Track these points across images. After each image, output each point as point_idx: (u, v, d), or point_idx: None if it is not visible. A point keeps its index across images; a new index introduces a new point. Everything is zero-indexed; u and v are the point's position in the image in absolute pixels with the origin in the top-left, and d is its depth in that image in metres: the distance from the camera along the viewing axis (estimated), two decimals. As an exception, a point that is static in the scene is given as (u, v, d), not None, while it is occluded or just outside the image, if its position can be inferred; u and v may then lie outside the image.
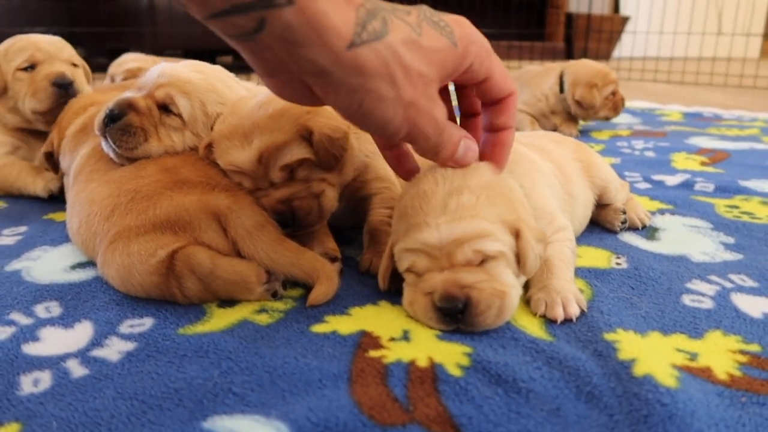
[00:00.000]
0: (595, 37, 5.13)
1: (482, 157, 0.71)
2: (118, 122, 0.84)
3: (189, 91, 0.87)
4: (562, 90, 1.90)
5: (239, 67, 3.91)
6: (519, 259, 0.68)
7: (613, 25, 5.46)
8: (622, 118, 2.23)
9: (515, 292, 0.67)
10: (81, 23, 3.91)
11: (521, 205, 0.72)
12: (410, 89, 0.59)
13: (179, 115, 0.86)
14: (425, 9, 0.61)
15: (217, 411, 0.53)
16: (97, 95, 1.16)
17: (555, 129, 1.90)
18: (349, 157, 0.85)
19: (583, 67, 1.93)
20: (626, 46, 5.28)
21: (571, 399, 0.55)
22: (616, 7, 6.41)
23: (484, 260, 0.66)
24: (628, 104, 2.60)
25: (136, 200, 0.76)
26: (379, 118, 0.59)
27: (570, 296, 0.69)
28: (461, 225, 0.65)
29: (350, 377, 0.57)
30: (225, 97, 0.89)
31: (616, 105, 1.89)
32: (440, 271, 0.66)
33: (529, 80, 2.01)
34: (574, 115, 1.92)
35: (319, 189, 0.82)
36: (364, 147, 0.90)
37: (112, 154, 0.86)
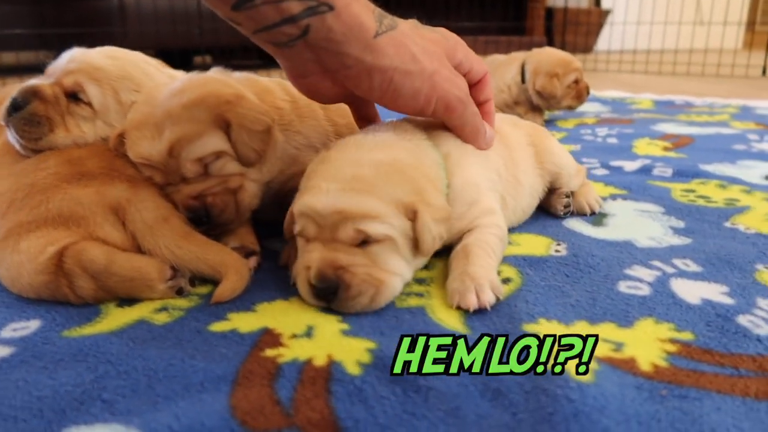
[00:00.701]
0: (576, 30, 5.10)
1: None
2: (22, 111, 0.77)
3: (100, 78, 0.81)
4: (524, 80, 1.83)
5: (220, 66, 3.85)
6: (415, 243, 0.64)
7: (594, 18, 5.43)
8: (591, 107, 2.18)
9: (396, 281, 0.64)
10: (50, 25, 3.84)
11: (427, 181, 0.68)
12: (429, 62, 0.70)
13: (89, 104, 0.80)
14: (416, 21, 0.75)
15: (78, 421, 0.47)
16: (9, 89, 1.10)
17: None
18: (272, 152, 0.78)
19: (545, 56, 1.85)
20: (608, 39, 5.25)
21: (474, 397, 0.49)
22: (597, 1, 6.38)
23: (366, 241, 0.62)
24: (600, 94, 2.56)
25: (31, 195, 0.70)
26: (410, 89, 0.69)
27: (484, 283, 0.64)
28: (349, 197, 0.62)
29: (235, 379, 0.52)
30: (141, 84, 0.84)
31: (579, 94, 1.82)
32: (324, 243, 0.63)
33: (494, 70, 1.95)
34: (537, 104, 1.85)
35: (236, 184, 0.76)
36: (292, 140, 0.84)
37: (17, 146, 0.81)
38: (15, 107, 0.78)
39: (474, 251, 0.69)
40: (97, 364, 0.55)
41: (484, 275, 0.66)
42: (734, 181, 1.14)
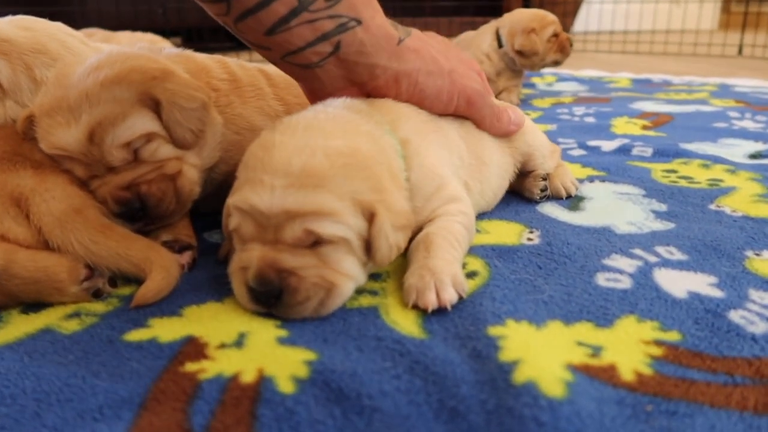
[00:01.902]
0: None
1: None
2: None
3: (8, 52, 0.70)
4: (501, 44, 1.75)
5: (190, 49, 3.69)
6: (370, 245, 0.55)
7: (571, -2, 5.35)
8: (568, 86, 2.11)
9: (348, 285, 0.55)
10: (5, 2, 3.65)
11: (390, 180, 0.58)
12: (446, 60, 0.74)
13: None
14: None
15: (-63, 463, 0.38)
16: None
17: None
18: (211, 132, 0.69)
19: (517, 15, 1.77)
20: (585, 20, 5.19)
21: (427, 419, 0.42)
22: (574, -20, 6.30)
23: (317, 242, 0.53)
24: (577, 73, 2.49)
25: None
26: (434, 89, 0.72)
27: (446, 279, 0.56)
28: (298, 195, 0.51)
29: (143, 402, 0.43)
30: (59, 58, 0.73)
31: (562, 46, 1.74)
32: (264, 244, 0.53)
33: (468, 43, 1.86)
34: (520, 68, 1.76)
35: (173, 170, 0.66)
36: (233, 123, 0.74)
37: None
38: None
39: (436, 242, 0.61)
40: (-21, 386, 0.46)
41: (446, 270, 0.58)
42: (717, 160, 1.07)
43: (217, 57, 0.80)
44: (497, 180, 0.82)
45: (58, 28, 0.78)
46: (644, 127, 1.38)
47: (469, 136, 0.77)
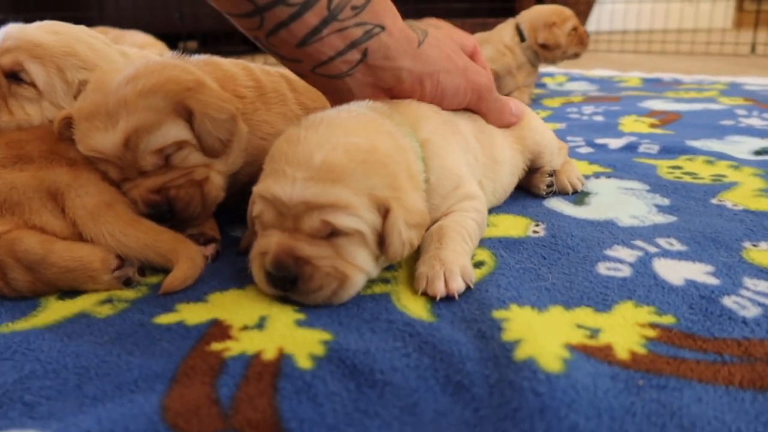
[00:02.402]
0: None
1: None
2: None
3: (42, 56, 0.74)
4: (523, 39, 1.83)
5: (206, 53, 3.74)
6: (382, 240, 0.58)
7: (584, -2, 5.35)
8: (578, 86, 2.14)
9: (360, 277, 0.58)
10: (26, 9, 3.74)
11: (408, 179, 0.61)
12: (460, 59, 0.77)
13: (32, 84, 0.74)
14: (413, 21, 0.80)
15: (-8, 427, 0.43)
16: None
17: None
18: (237, 142, 0.72)
19: (536, 11, 1.88)
20: (596, 19, 5.19)
21: (434, 392, 0.45)
22: (586, -20, 6.29)
23: (334, 233, 0.56)
24: (587, 73, 2.52)
25: (-36, 180, 0.65)
26: (453, 87, 0.76)
27: (455, 269, 0.59)
28: (317, 188, 0.55)
29: (174, 376, 0.47)
30: (88, 60, 0.77)
31: (581, 39, 1.85)
32: (283, 232, 0.56)
33: (487, 38, 1.91)
34: (542, 61, 1.86)
35: (201, 176, 0.70)
36: (258, 129, 0.78)
37: None
38: None
39: (449, 234, 0.64)
40: (25, 362, 0.50)
41: (456, 261, 0.61)
42: (722, 156, 1.09)
43: (242, 63, 0.83)
44: (509, 177, 0.85)
45: (83, 30, 0.83)
46: (652, 125, 1.40)
47: (483, 136, 0.80)
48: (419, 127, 0.69)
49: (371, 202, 0.57)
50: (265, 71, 0.85)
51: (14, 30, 0.76)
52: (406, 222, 0.58)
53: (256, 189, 0.60)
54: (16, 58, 0.73)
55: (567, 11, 1.83)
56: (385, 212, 0.58)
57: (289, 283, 0.57)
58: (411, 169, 0.64)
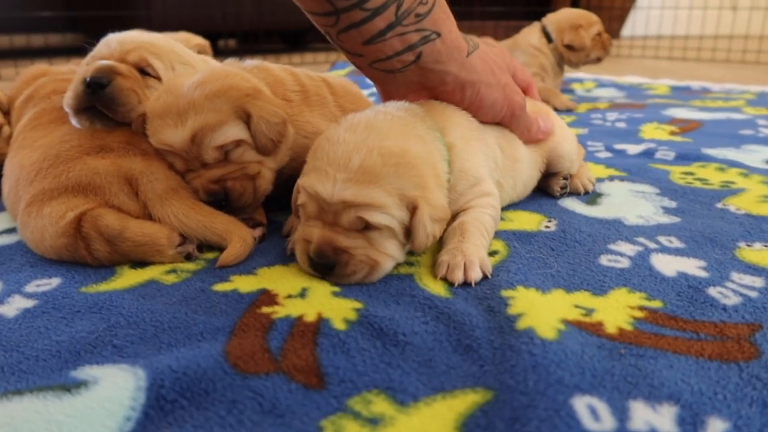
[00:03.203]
0: (600, 15, 5.02)
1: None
2: (108, 88, 0.79)
3: (159, 53, 0.86)
4: (550, 40, 1.91)
5: (244, 51, 3.90)
6: (410, 232, 0.67)
7: (621, 3, 5.34)
8: (606, 92, 2.19)
9: (389, 263, 0.68)
10: (77, 8, 3.93)
11: (433, 178, 0.70)
12: (502, 76, 0.84)
13: (158, 77, 0.85)
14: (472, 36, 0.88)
15: (91, 361, 0.53)
16: (48, 67, 1.16)
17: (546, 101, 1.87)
18: (286, 143, 0.83)
19: (563, 13, 1.97)
20: (632, 24, 5.17)
21: (447, 351, 0.54)
22: (624, -15, 6.25)
23: (367, 227, 0.65)
24: (617, 79, 2.56)
25: (55, 165, 0.76)
26: (491, 100, 0.83)
27: (475, 260, 0.68)
28: (355, 189, 0.64)
29: (232, 331, 0.57)
30: (185, 58, 0.89)
31: (604, 44, 1.94)
32: (324, 224, 0.65)
33: (515, 43, 1.99)
34: (567, 62, 1.94)
35: (254, 171, 0.80)
36: (302, 129, 0.88)
37: (76, 123, 0.82)
38: (100, 85, 0.79)
39: (469, 229, 0.72)
40: (110, 315, 0.61)
41: (475, 253, 0.69)
42: (734, 164, 1.15)
43: (289, 69, 0.93)
44: (528, 171, 0.92)
45: (160, 34, 0.94)
46: (672, 133, 1.46)
47: (504, 141, 0.87)
48: (447, 132, 0.77)
49: (401, 200, 0.65)
50: (308, 76, 0.95)
51: (126, 35, 0.87)
52: (431, 217, 0.67)
53: (301, 182, 0.69)
54: (141, 55, 0.84)
55: (593, 16, 1.91)
56: (413, 209, 0.66)
57: (328, 268, 0.66)
58: (437, 170, 0.72)
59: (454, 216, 0.77)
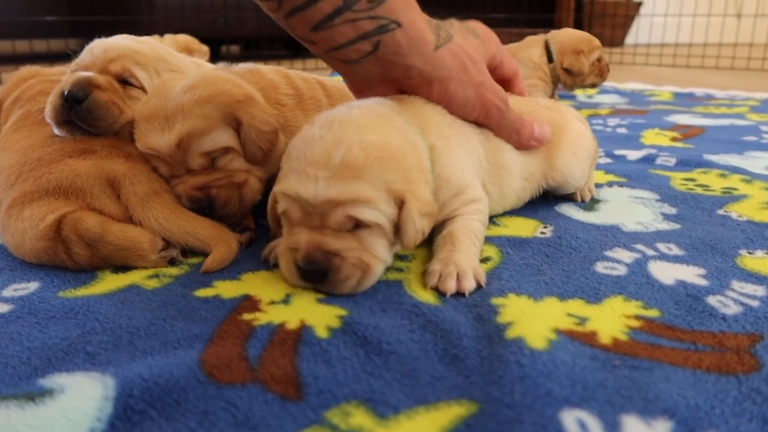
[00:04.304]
0: (603, 22, 5.01)
1: None
2: (85, 103, 0.77)
3: (143, 62, 0.84)
4: (550, 60, 1.89)
5: (247, 57, 3.90)
6: (398, 229, 0.64)
7: (625, 11, 5.33)
8: (608, 98, 2.17)
9: (380, 266, 0.65)
10: (80, 13, 3.94)
11: (418, 172, 0.67)
12: (477, 73, 0.78)
13: (141, 87, 0.83)
14: (455, 21, 0.82)
15: (61, 369, 0.51)
16: (38, 68, 1.15)
17: None
18: (276, 152, 0.80)
19: (567, 35, 1.94)
20: (635, 32, 5.16)
21: (432, 361, 0.52)
22: (628, -8, 6.25)
23: (357, 225, 0.62)
24: (620, 86, 2.54)
25: (37, 167, 0.75)
26: (462, 98, 0.77)
27: (468, 270, 0.65)
28: (339, 186, 0.61)
29: (210, 338, 0.55)
30: (174, 64, 0.87)
31: (602, 71, 1.91)
32: (310, 229, 0.63)
33: (514, 55, 1.97)
34: (562, 84, 1.92)
35: (241, 179, 0.78)
36: (295, 134, 0.86)
37: (59, 132, 0.79)
38: (76, 100, 0.77)
39: (459, 238, 0.70)
40: (86, 321, 0.59)
41: (467, 262, 0.66)
42: (736, 170, 1.13)
43: (282, 71, 0.91)
44: (519, 182, 0.86)
45: (153, 39, 0.92)
46: (673, 139, 1.44)
47: (487, 142, 0.82)
48: (427, 132, 0.72)
49: (388, 195, 0.62)
50: (303, 78, 0.93)
51: (111, 42, 0.85)
52: (420, 212, 0.63)
53: (279, 188, 0.65)
54: (124, 65, 0.82)
55: (595, 41, 1.90)
56: (400, 204, 0.63)
57: (320, 276, 0.62)
58: (421, 164, 0.68)
59: (441, 223, 0.74)
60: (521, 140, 0.84)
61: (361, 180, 0.61)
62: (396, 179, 0.63)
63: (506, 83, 0.90)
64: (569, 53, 1.86)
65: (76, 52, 0.89)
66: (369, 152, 0.63)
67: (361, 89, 0.78)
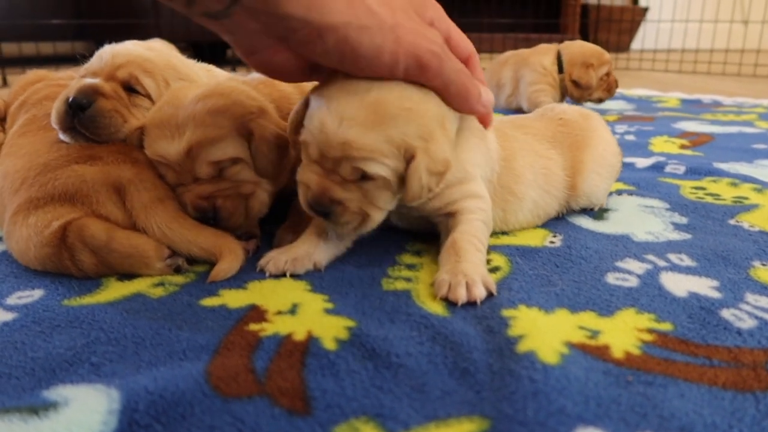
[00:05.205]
0: (609, 27, 5.01)
1: None
2: (89, 110, 0.76)
3: (151, 70, 0.83)
4: (560, 70, 1.89)
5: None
6: (404, 182, 0.65)
7: (631, 16, 5.32)
8: (615, 105, 2.16)
9: (379, 215, 0.68)
10: (86, 16, 3.94)
11: (440, 128, 0.66)
12: (390, 14, 0.60)
13: (147, 96, 0.82)
14: None
15: (65, 380, 0.50)
16: (44, 72, 1.14)
17: None
18: (287, 166, 0.79)
19: (578, 47, 1.93)
20: (641, 37, 5.15)
21: (442, 375, 0.51)
22: (634, -2, 6.24)
23: (364, 177, 0.65)
24: (627, 92, 2.53)
25: (42, 173, 0.74)
26: (370, 47, 0.59)
27: (477, 278, 0.64)
28: (358, 132, 0.62)
29: (216, 349, 0.54)
30: (183, 72, 0.86)
31: (609, 86, 1.90)
32: (323, 171, 0.66)
33: (525, 59, 1.97)
34: (569, 96, 1.91)
35: (248, 190, 0.77)
36: None
37: (66, 138, 0.78)
38: (80, 107, 0.76)
39: (464, 247, 0.69)
40: (91, 330, 0.58)
41: (476, 271, 0.65)
42: (746, 179, 1.12)
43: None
44: (528, 216, 0.85)
45: (167, 45, 0.91)
46: (682, 146, 1.43)
47: (507, 163, 0.81)
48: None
49: (399, 149, 0.63)
50: None
51: (120, 48, 0.84)
52: (428, 169, 0.64)
53: (307, 123, 0.66)
54: (131, 72, 0.81)
55: (605, 56, 1.89)
56: (410, 158, 0.64)
57: (324, 215, 0.67)
58: (444, 123, 0.67)
59: (443, 216, 0.74)
60: (470, 102, 0.68)
61: (378, 132, 0.62)
62: (413, 134, 0.64)
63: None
64: (578, 65, 1.85)
65: (83, 56, 0.89)
66: (402, 102, 0.63)
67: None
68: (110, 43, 0.88)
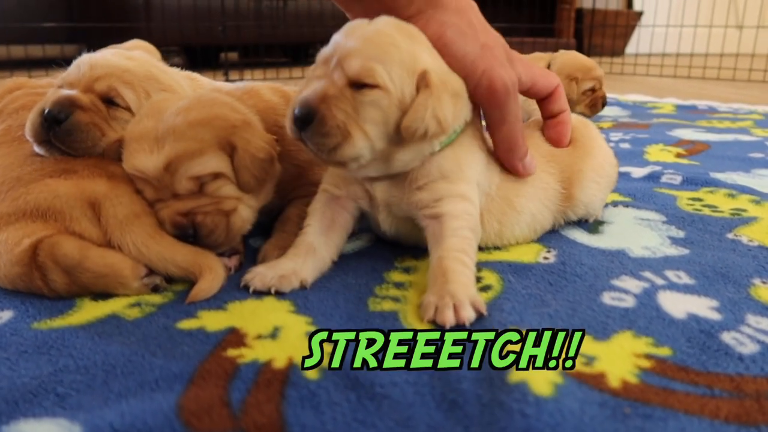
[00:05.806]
0: (604, 31, 5.00)
1: (548, 137, 0.86)
2: (65, 123, 0.73)
3: (131, 81, 0.79)
4: None
5: (245, 64, 3.86)
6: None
7: (625, 21, 5.32)
8: (610, 111, 2.14)
9: (362, 143, 0.65)
10: (77, 19, 3.91)
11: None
12: (484, 34, 0.69)
13: (127, 108, 0.79)
14: None
15: (27, 414, 0.47)
16: (24, 80, 1.11)
17: None
18: (271, 181, 0.77)
19: (570, 58, 1.88)
20: (636, 42, 5.15)
21: (429, 407, 0.48)
22: (629, 3, 6.25)
23: (362, 86, 0.64)
24: (622, 98, 2.51)
25: (15, 188, 0.71)
26: (460, 50, 0.67)
27: (464, 300, 0.61)
28: (369, 50, 0.64)
29: (191, 378, 0.51)
30: (165, 83, 0.82)
31: (594, 102, 1.83)
32: (325, 80, 0.66)
33: None
34: None
35: (230, 207, 0.73)
36: (294, 158, 0.83)
37: (40, 151, 0.75)
38: (56, 120, 0.73)
39: (450, 267, 0.65)
40: (59, 357, 0.55)
41: (464, 292, 0.62)
42: (744, 190, 1.09)
43: (281, 90, 0.88)
44: (525, 230, 0.82)
45: (147, 56, 0.88)
46: (678, 155, 1.41)
47: (508, 175, 0.79)
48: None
49: (411, 75, 0.64)
50: None
51: (98, 58, 0.80)
52: (434, 108, 0.64)
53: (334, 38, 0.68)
54: (110, 84, 0.78)
55: (595, 72, 1.83)
56: (423, 84, 0.64)
57: (306, 123, 0.64)
58: (458, 101, 0.68)
59: (426, 216, 0.71)
60: (515, 153, 0.75)
61: (381, 60, 0.64)
62: (433, 68, 0.66)
63: (544, 101, 0.85)
64: (563, 78, 1.80)
65: (70, 62, 0.85)
66: (401, 32, 0.66)
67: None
68: (101, 46, 0.85)
